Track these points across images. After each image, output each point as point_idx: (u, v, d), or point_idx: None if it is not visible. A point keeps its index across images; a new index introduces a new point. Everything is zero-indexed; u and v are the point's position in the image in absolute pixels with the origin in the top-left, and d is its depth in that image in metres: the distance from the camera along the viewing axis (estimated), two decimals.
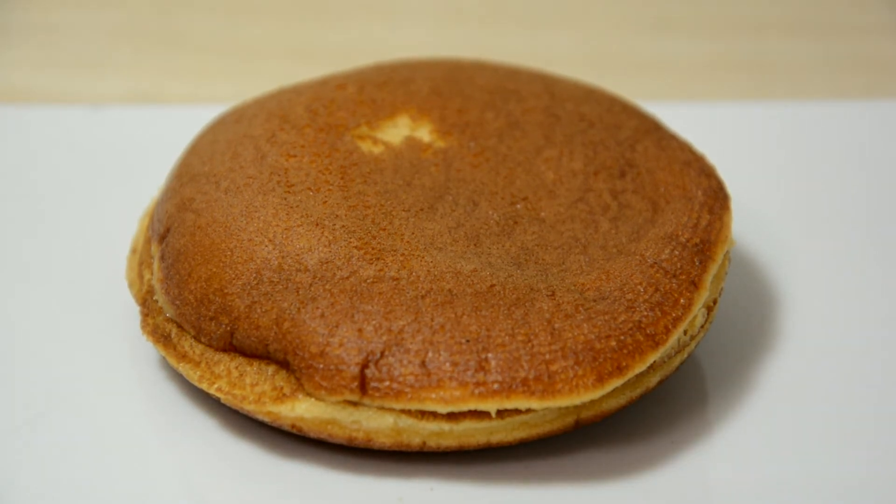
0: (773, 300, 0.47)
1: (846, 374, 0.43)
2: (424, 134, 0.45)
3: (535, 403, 0.37)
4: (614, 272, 0.40)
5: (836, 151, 0.55)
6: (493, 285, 0.39)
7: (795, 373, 0.44)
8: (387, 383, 0.37)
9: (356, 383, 0.37)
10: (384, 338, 0.38)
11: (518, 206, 0.43)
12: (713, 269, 0.41)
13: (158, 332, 0.41)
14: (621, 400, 0.39)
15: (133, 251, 0.46)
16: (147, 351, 0.44)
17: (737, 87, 0.62)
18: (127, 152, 0.54)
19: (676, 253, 0.41)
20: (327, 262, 0.39)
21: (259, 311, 0.39)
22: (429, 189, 0.43)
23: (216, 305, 0.40)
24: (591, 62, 0.64)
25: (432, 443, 0.38)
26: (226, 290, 0.40)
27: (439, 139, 0.45)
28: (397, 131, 0.45)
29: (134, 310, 0.44)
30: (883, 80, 0.62)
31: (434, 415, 0.38)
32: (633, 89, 0.51)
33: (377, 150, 0.44)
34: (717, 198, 0.43)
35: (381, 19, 0.66)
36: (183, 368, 0.40)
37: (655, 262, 0.40)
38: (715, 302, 0.42)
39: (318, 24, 0.66)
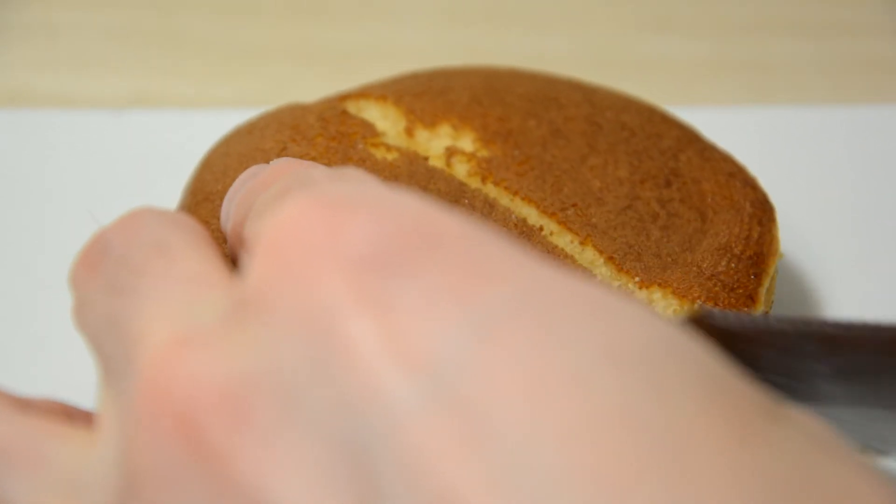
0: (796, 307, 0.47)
1: None
2: (467, 143, 0.45)
3: None
4: (672, 283, 0.40)
5: (840, 155, 0.55)
6: None
7: None
8: None
9: None
10: None
11: (568, 211, 0.43)
12: (767, 282, 0.41)
13: None
14: None
15: None
16: None
17: (738, 89, 0.62)
18: (146, 158, 0.54)
19: (733, 265, 0.41)
20: None
21: None
22: (444, 194, 0.42)
23: None
24: (592, 62, 0.64)
25: None
26: None
27: (483, 148, 0.45)
28: (439, 142, 0.45)
29: None
30: (890, 81, 0.62)
31: None
32: (634, 90, 0.51)
33: (391, 156, 0.44)
34: (764, 209, 0.43)
35: (382, 20, 0.66)
36: None
37: (713, 275, 0.41)
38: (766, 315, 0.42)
39: (320, 24, 0.66)
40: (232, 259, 0.31)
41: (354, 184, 0.26)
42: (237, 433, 0.22)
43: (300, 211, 0.23)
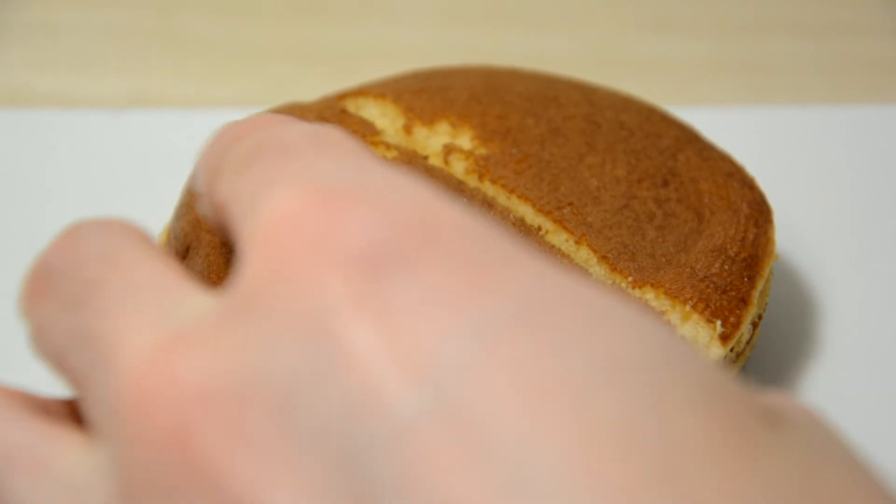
0: (796, 311, 0.47)
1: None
2: (465, 141, 0.45)
3: None
4: (664, 284, 0.40)
5: (839, 155, 0.55)
6: None
7: (842, 386, 0.44)
8: None
9: None
10: None
11: (564, 210, 0.42)
12: (760, 284, 0.41)
13: None
14: None
15: None
16: None
17: (738, 89, 0.62)
18: (146, 158, 0.54)
19: (726, 267, 0.41)
20: None
21: None
22: (442, 191, 0.42)
23: None
24: (592, 62, 0.64)
25: None
26: None
27: (481, 146, 0.44)
28: (437, 139, 0.45)
29: None
30: (890, 81, 0.62)
31: None
32: (634, 90, 0.51)
33: (390, 155, 0.44)
34: (761, 210, 0.43)
35: (382, 20, 0.66)
36: None
37: (706, 276, 0.40)
38: (760, 318, 0.42)
39: (320, 24, 0.66)
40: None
41: (349, 164, 0.24)
42: (229, 444, 0.21)
43: (295, 205, 0.23)
